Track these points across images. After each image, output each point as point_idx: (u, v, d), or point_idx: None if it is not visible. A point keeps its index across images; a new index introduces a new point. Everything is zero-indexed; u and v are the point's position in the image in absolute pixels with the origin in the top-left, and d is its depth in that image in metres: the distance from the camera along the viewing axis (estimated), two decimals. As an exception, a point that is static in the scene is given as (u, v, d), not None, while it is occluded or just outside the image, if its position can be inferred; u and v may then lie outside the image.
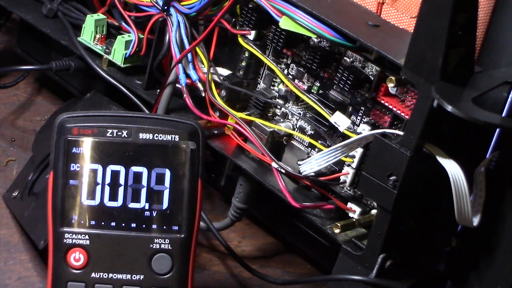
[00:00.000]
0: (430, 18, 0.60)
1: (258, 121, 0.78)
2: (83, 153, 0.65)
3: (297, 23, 0.72)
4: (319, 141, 0.77)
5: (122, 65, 0.87)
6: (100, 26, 0.89)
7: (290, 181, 0.78)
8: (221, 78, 0.81)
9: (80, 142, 0.65)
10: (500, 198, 0.66)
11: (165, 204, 0.65)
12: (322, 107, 0.75)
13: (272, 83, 0.81)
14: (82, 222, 0.64)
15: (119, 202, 0.65)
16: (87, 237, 0.64)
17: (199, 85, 0.81)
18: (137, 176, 0.65)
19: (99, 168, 0.65)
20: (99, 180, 0.65)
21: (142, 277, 0.65)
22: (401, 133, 0.65)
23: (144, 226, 0.65)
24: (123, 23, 0.89)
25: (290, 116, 0.80)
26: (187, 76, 0.81)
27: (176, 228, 0.65)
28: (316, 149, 0.77)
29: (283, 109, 0.80)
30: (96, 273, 0.65)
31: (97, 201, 0.65)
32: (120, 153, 0.65)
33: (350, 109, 0.75)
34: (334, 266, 0.71)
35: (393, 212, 0.66)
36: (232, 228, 0.87)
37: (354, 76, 0.71)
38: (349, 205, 0.74)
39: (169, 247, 0.65)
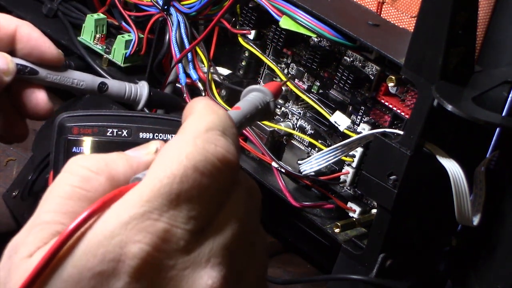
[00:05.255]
0: (430, 18, 0.60)
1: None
2: (83, 153, 0.64)
3: (297, 22, 0.72)
4: (319, 141, 0.77)
5: (122, 65, 0.87)
6: (100, 26, 0.89)
7: (290, 181, 0.78)
8: (221, 77, 0.81)
9: (80, 141, 0.64)
10: (500, 198, 0.66)
11: (165, 204, 0.65)
12: (322, 106, 0.75)
13: (272, 83, 0.81)
14: (82, 221, 0.64)
15: (119, 201, 0.65)
16: (87, 236, 0.64)
17: (199, 85, 0.81)
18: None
19: (99, 167, 0.64)
20: (99, 179, 0.64)
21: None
22: (401, 132, 0.65)
23: (144, 225, 0.65)
24: (123, 23, 0.89)
25: (290, 116, 0.80)
26: (187, 75, 0.81)
27: (176, 227, 0.65)
28: (316, 149, 0.77)
29: (283, 108, 0.80)
30: (96, 273, 0.64)
31: (97, 201, 0.64)
32: (120, 152, 0.65)
33: (350, 109, 0.75)
34: (334, 266, 0.71)
35: (393, 212, 0.65)
36: (232, 228, 0.87)
37: (354, 76, 0.71)
38: (349, 204, 0.74)
39: (169, 247, 0.65)
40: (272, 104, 0.49)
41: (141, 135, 0.65)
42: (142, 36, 0.86)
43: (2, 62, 0.59)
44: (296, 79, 0.79)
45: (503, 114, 0.65)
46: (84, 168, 0.41)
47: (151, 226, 0.37)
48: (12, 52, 0.61)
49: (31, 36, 0.61)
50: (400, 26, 0.74)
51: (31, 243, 0.38)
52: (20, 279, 0.37)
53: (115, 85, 0.67)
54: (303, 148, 0.79)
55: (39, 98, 0.62)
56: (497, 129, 0.68)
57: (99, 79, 0.66)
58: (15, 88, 0.62)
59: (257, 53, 0.79)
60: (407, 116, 0.69)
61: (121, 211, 0.38)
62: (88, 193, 0.40)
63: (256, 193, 0.43)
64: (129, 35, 0.87)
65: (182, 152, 0.39)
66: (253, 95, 0.49)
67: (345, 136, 0.73)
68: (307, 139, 0.78)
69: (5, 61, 0.59)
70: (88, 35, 0.89)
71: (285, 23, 0.73)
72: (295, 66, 0.79)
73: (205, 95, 0.80)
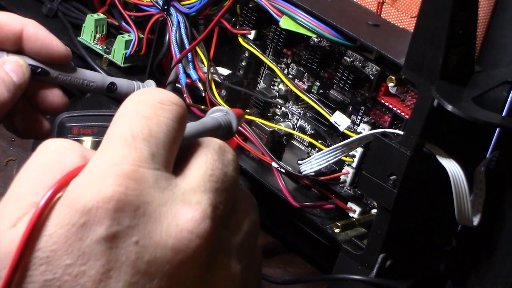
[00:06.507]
0: (430, 18, 0.60)
1: (258, 120, 0.78)
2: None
3: (297, 22, 0.72)
4: (319, 141, 0.77)
5: (122, 65, 0.87)
6: (100, 26, 0.89)
7: (290, 181, 0.78)
8: (221, 77, 0.81)
9: (80, 141, 0.64)
10: (500, 198, 0.66)
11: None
12: (322, 106, 0.75)
13: (272, 83, 0.81)
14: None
15: (119, 201, 0.65)
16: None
17: (199, 85, 0.81)
18: (137, 176, 0.65)
19: (99, 167, 0.64)
20: (99, 179, 0.64)
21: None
22: (401, 132, 0.65)
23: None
24: (123, 23, 0.89)
25: (290, 116, 0.80)
26: (187, 75, 0.81)
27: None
28: (316, 149, 0.77)
29: (283, 108, 0.80)
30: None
31: (97, 201, 0.64)
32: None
33: (350, 109, 0.75)
34: (334, 266, 0.71)
35: (393, 212, 0.65)
36: (232, 228, 0.87)
37: (354, 76, 0.71)
38: (349, 204, 0.74)
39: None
40: (234, 124, 0.53)
41: (141, 135, 0.65)
42: (142, 36, 0.86)
43: (19, 76, 0.60)
44: (296, 79, 0.79)
45: (503, 114, 0.65)
46: (58, 145, 0.44)
47: (119, 169, 0.40)
48: (19, 51, 0.62)
49: (38, 34, 0.62)
50: (400, 26, 0.74)
51: (10, 215, 0.40)
52: (8, 249, 0.38)
53: (124, 85, 0.67)
54: (303, 148, 0.79)
55: (55, 95, 0.65)
56: (497, 129, 0.68)
57: (109, 79, 0.67)
58: (31, 91, 0.63)
59: (257, 53, 0.79)
60: (407, 116, 0.69)
61: (89, 167, 0.40)
62: (61, 164, 0.42)
63: (228, 151, 0.45)
64: (129, 35, 0.87)
65: (125, 109, 0.42)
66: (217, 114, 0.53)
67: (345, 136, 0.73)
68: (307, 139, 0.78)
69: (22, 72, 0.60)
70: (88, 35, 0.89)
71: (285, 23, 0.73)
72: (295, 66, 0.79)
73: (205, 95, 0.80)
